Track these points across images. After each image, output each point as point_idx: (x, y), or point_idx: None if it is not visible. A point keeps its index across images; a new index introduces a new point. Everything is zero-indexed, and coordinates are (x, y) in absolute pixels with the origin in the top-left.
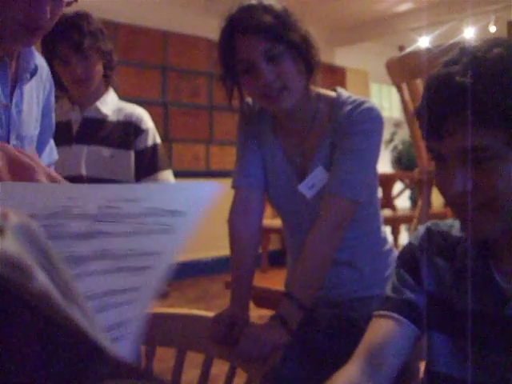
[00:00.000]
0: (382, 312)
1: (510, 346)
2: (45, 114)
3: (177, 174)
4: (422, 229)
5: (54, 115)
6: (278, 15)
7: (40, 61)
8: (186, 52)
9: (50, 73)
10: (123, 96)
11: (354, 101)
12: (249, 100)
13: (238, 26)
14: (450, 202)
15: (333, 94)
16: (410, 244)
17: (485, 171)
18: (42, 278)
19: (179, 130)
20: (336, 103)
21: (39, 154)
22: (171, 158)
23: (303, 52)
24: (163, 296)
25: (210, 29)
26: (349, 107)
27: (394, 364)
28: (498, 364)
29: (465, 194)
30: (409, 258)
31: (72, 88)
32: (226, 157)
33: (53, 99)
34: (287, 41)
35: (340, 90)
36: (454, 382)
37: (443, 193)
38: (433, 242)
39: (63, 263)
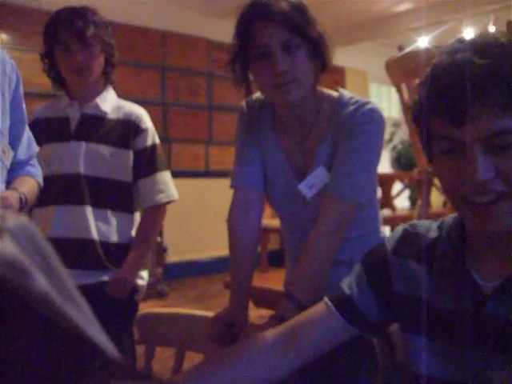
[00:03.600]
0: (325, 296)
1: (488, 344)
2: (14, 106)
3: (176, 174)
4: (399, 231)
5: (24, 107)
6: (299, 8)
7: (2, 54)
8: (186, 52)
9: (14, 65)
10: (122, 96)
11: (357, 102)
12: (249, 99)
13: (259, 11)
14: (464, 195)
15: (335, 94)
16: (382, 245)
17: (508, 157)
18: (41, 279)
19: (178, 130)
20: (338, 103)
21: (15, 147)
22: (170, 158)
23: (318, 50)
24: (163, 296)
25: (210, 29)
26: (351, 108)
27: (310, 345)
28: (476, 363)
29: (485, 184)
30: (377, 259)
31: (71, 78)
32: (226, 157)
33: (21, 91)
34: (305, 35)
35: (342, 90)
36: (434, 382)
37: (456, 187)
38: (409, 245)
39: (61, 264)
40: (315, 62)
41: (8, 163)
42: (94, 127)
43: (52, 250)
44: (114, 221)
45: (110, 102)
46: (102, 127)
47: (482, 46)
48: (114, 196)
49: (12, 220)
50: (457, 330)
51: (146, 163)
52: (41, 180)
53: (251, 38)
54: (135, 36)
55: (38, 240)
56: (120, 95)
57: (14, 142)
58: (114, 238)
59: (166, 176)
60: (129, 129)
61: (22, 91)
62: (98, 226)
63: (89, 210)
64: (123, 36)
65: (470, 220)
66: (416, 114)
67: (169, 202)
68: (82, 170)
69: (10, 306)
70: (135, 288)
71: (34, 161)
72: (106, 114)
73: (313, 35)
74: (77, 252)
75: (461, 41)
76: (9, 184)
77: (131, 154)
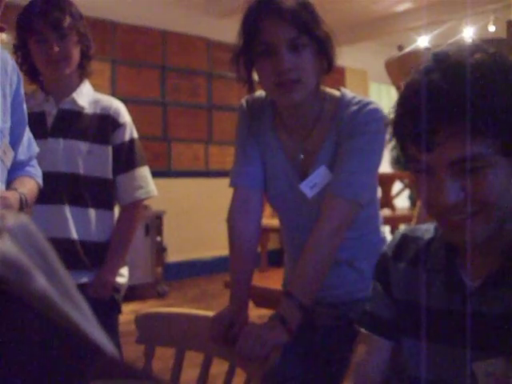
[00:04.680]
0: (362, 330)
1: (476, 341)
2: (16, 106)
3: (176, 174)
4: (397, 236)
5: (25, 107)
6: (307, 7)
7: (3, 54)
8: (185, 51)
9: (15, 65)
10: (122, 96)
11: (359, 101)
12: (249, 97)
13: (268, 8)
14: (438, 213)
15: (337, 93)
16: (384, 254)
17: (477, 180)
18: (40, 279)
19: (178, 129)
20: (341, 103)
21: (15, 147)
22: (170, 157)
23: (324, 50)
24: (163, 296)
25: (210, 28)
26: (354, 108)
27: (381, 377)
28: (465, 360)
29: (457, 205)
30: (382, 269)
31: (46, 70)
32: (226, 157)
33: (22, 92)
34: (312, 34)
35: (344, 90)
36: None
37: (431, 205)
38: (407, 250)
39: (61, 263)
40: (320, 62)
41: (8, 163)
42: (71, 123)
43: (52, 249)
44: (94, 219)
45: (86, 96)
46: (80, 123)
47: (452, 66)
48: (94, 193)
49: (12, 219)
50: (448, 329)
51: (125, 158)
52: (41, 181)
53: (257, 35)
54: (135, 36)
55: (38, 239)
56: (120, 95)
57: (14, 143)
58: (94, 236)
59: (144, 171)
60: (107, 123)
61: (22, 92)
62: (78, 225)
63: (67, 209)
64: (123, 36)
65: (447, 233)
66: (393, 132)
67: (147, 198)
68: (61, 167)
69: (9, 307)
70: (115, 287)
71: (34, 161)
72: (83, 108)
73: (320, 35)
74: (56, 252)
75: (435, 57)
76: (9, 184)
77: (110, 149)
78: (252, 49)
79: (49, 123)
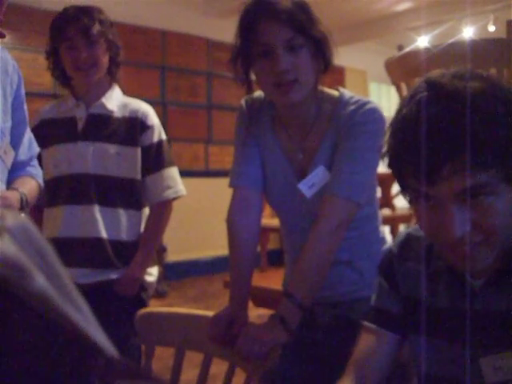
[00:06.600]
0: (366, 323)
1: (482, 337)
2: (16, 106)
3: None
4: (402, 234)
5: (26, 107)
6: (303, 7)
7: (4, 55)
8: (185, 51)
9: (16, 65)
10: None
11: (357, 101)
12: (248, 98)
13: (264, 9)
14: (442, 244)
15: (335, 93)
16: (389, 251)
17: (482, 209)
18: (40, 279)
19: (178, 129)
20: (339, 103)
21: (16, 147)
22: None
23: (321, 50)
24: (162, 295)
25: (210, 28)
26: (352, 108)
27: (381, 372)
28: (472, 357)
29: (463, 237)
30: (387, 266)
31: (75, 76)
32: (225, 156)
33: (23, 92)
34: (309, 35)
35: (342, 90)
36: (434, 380)
37: (434, 236)
38: (411, 248)
39: (60, 263)
40: (317, 62)
41: (9, 163)
42: (101, 126)
43: (51, 249)
44: (122, 219)
45: (115, 101)
46: (109, 126)
47: (451, 98)
48: (123, 194)
49: (11, 219)
50: (453, 327)
51: (153, 160)
52: (41, 181)
53: (254, 36)
54: (135, 35)
55: (37, 239)
56: None
57: (15, 143)
58: (123, 236)
59: (173, 172)
60: (135, 126)
61: (23, 92)
62: (107, 224)
63: (97, 209)
64: (123, 36)
65: (452, 262)
66: (390, 162)
67: (176, 198)
68: (90, 169)
69: (9, 306)
70: (143, 285)
71: (35, 161)
72: (112, 112)
73: (316, 35)
74: (86, 251)
75: (430, 87)
76: (9, 184)
77: (139, 151)
78: (249, 50)
79: (79, 127)
